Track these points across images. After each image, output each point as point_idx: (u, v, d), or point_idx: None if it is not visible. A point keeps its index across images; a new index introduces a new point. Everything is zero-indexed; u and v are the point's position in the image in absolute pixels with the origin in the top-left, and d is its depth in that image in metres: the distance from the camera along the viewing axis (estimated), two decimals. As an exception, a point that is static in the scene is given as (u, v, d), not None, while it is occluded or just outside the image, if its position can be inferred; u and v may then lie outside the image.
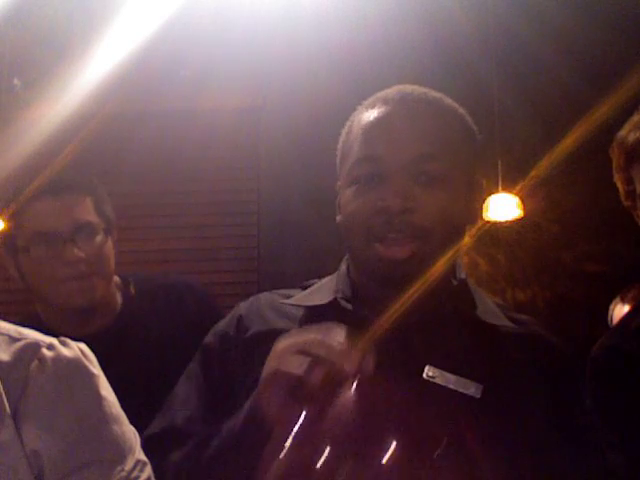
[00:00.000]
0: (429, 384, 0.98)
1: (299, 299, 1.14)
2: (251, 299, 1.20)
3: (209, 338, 1.18)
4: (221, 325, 1.18)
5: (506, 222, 3.18)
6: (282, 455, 0.92)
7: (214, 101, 3.52)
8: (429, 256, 1.03)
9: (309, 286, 1.18)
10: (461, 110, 1.12)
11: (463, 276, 1.13)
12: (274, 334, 1.01)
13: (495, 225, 3.26)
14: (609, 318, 2.20)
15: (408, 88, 1.14)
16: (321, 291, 1.13)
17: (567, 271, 3.28)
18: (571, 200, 3.32)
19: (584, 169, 3.29)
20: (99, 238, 1.53)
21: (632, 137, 1.20)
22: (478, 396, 0.98)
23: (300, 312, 1.11)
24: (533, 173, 3.25)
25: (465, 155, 1.05)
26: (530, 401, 1.03)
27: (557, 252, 3.31)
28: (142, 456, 0.88)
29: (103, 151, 3.53)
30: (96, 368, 0.91)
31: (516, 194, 3.10)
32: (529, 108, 3.36)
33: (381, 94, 1.11)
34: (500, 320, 1.10)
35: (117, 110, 3.36)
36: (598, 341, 1.26)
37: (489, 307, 1.12)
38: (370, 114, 1.07)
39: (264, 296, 1.20)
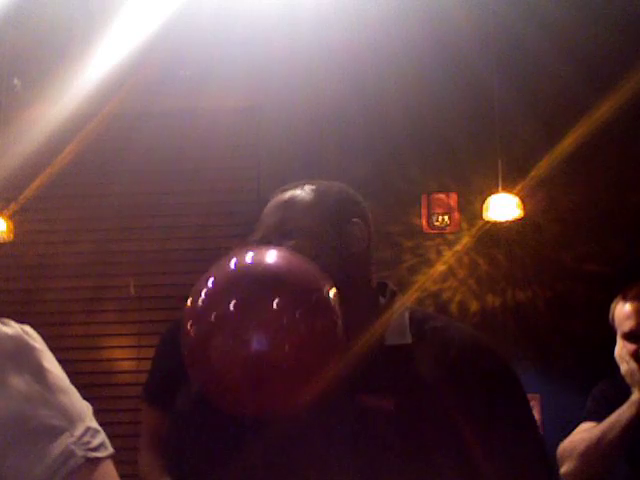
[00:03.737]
0: (358, 406, 1.22)
1: None
2: None
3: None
4: None
5: (506, 222, 3.18)
6: None
7: (214, 101, 3.52)
8: None
9: None
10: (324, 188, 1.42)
11: (384, 300, 1.35)
12: None
13: (495, 225, 3.26)
14: (610, 317, 2.20)
15: (288, 185, 1.43)
16: None
17: (567, 271, 3.28)
18: (571, 200, 3.33)
19: (584, 169, 3.29)
20: None
21: None
22: (392, 407, 1.20)
23: None
24: (533, 173, 3.26)
25: (320, 215, 1.37)
26: (443, 408, 1.21)
27: (557, 252, 3.31)
28: (94, 424, 0.89)
29: (103, 151, 3.54)
30: (39, 343, 0.92)
31: (516, 194, 3.10)
32: (529, 108, 3.36)
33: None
34: (400, 339, 1.29)
35: (117, 110, 3.36)
36: None
37: (398, 325, 1.31)
38: None
39: None
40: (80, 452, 0.85)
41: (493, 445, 1.20)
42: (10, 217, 3.26)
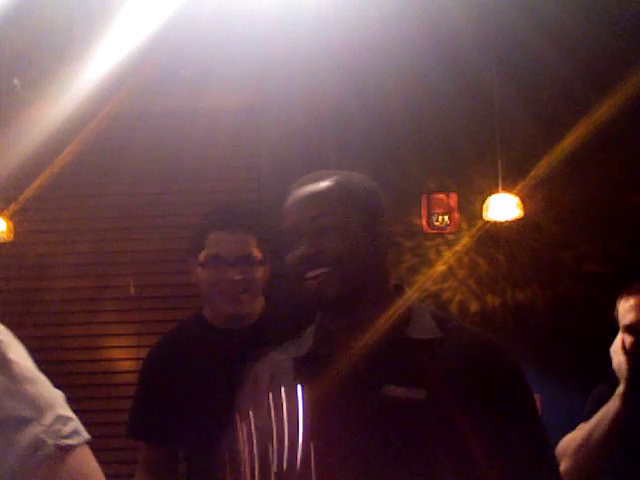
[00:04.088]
0: (386, 397, 1.26)
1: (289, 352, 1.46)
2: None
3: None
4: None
5: (506, 222, 3.18)
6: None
7: (214, 101, 3.52)
8: (344, 279, 1.35)
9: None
10: (348, 180, 1.44)
11: (403, 298, 1.41)
12: None
13: (495, 225, 3.26)
14: (615, 312, 2.21)
15: (310, 175, 1.46)
16: (304, 343, 1.45)
17: (567, 271, 3.28)
18: (571, 200, 3.32)
19: (584, 169, 3.29)
20: (255, 267, 2.05)
21: None
22: (423, 397, 1.25)
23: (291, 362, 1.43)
24: (533, 173, 3.26)
25: (355, 212, 1.39)
26: (467, 400, 1.27)
27: (557, 252, 3.31)
28: (66, 412, 0.88)
29: (103, 151, 3.53)
30: (3, 335, 0.91)
31: (516, 194, 3.10)
32: (529, 108, 3.36)
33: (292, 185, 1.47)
34: (428, 334, 1.35)
35: (117, 110, 3.36)
36: None
37: (422, 322, 1.37)
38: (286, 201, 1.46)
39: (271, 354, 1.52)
40: (50, 440, 0.83)
41: (502, 440, 1.25)
42: (10, 217, 3.26)
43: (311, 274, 1.36)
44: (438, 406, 1.25)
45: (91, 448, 0.92)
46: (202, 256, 2.05)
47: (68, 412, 0.88)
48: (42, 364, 0.96)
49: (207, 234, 2.07)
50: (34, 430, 0.83)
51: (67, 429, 0.86)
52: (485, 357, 1.32)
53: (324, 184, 1.40)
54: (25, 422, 0.83)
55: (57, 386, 0.93)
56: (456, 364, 1.29)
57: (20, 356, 0.90)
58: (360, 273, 1.35)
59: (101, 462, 0.94)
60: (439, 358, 1.30)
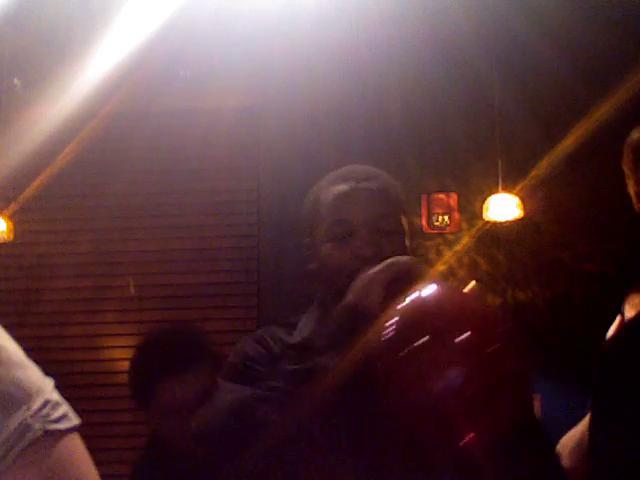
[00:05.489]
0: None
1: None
2: (259, 331, 1.44)
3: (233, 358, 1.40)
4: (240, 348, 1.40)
5: (506, 222, 3.18)
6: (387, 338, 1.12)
7: (214, 101, 3.52)
8: None
9: (289, 323, 1.42)
10: (393, 179, 1.43)
11: None
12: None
13: (495, 225, 3.26)
14: (621, 309, 2.21)
15: (358, 168, 1.41)
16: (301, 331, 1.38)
17: (567, 271, 3.28)
18: (571, 200, 3.33)
19: (584, 169, 3.29)
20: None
21: (637, 135, 1.22)
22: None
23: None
24: (533, 173, 3.26)
25: (402, 208, 1.39)
26: None
27: (557, 252, 3.31)
28: (55, 397, 0.86)
29: (103, 151, 3.54)
30: None
31: (516, 194, 3.10)
32: (529, 108, 3.36)
33: (339, 173, 1.41)
34: None
35: (117, 110, 3.36)
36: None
37: None
38: (337, 189, 1.37)
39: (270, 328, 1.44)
40: (38, 425, 0.81)
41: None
42: (10, 217, 3.26)
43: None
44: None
45: (91, 448, 0.91)
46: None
47: (57, 397, 0.86)
48: (42, 364, 0.96)
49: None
50: (22, 414, 0.81)
51: (56, 414, 0.84)
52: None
53: (389, 183, 1.38)
54: (13, 406, 0.81)
55: (57, 386, 0.93)
56: None
57: (7, 341, 0.88)
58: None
59: (101, 462, 0.94)
60: None
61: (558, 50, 3.28)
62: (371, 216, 1.32)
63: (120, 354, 3.47)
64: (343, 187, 1.36)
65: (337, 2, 3.33)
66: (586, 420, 2.06)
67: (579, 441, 2.06)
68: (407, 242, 1.37)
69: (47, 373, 0.94)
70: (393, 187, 1.39)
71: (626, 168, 1.28)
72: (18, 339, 0.97)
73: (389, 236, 1.32)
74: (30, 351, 0.96)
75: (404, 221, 1.37)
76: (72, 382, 3.16)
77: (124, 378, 3.38)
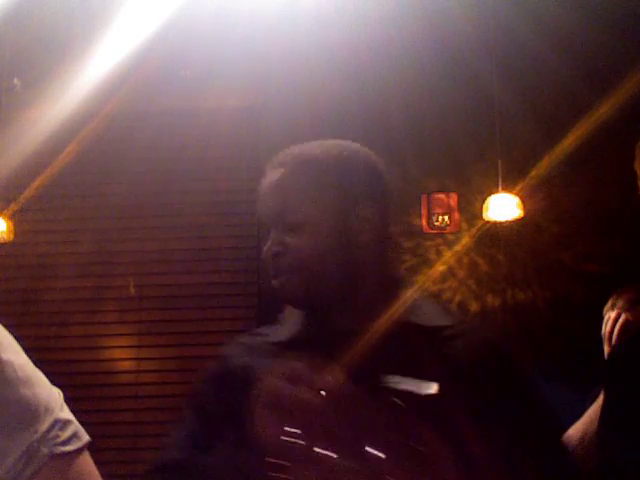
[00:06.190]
0: (389, 390, 1.10)
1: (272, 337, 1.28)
2: (232, 344, 1.32)
3: (198, 385, 1.31)
4: (208, 370, 1.31)
5: (506, 222, 3.18)
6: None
7: (214, 101, 3.52)
8: (308, 281, 1.20)
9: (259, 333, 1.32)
10: (316, 156, 1.25)
11: (404, 288, 1.26)
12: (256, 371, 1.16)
13: (495, 225, 3.26)
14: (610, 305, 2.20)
15: (282, 152, 1.27)
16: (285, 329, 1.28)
17: (567, 271, 3.28)
18: (571, 200, 3.33)
19: (584, 169, 3.29)
20: None
21: None
22: (435, 392, 1.10)
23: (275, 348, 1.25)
24: (533, 173, 3.26)
25: (326, 201, 1.22)
26: (475, 399, 1.14)
27: (557, 252, 3.31)
28: (65, 415, 0.83)
29: (103, 151, 3.54)
30: None
31: (516, 194, 3.10)
32: (529, 108, 3.36)
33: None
34: (434, 321, 1.21)
35: (117, 110, 3.36)
36: None
37: (426, 310, 1.24)
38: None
39: (244, 339, 1.33)
40: (45, 449, 0.79)
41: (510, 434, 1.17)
42: (10, 217, 3.26)
43: (273, 275, 1.22)
44: (443, 402, 1.12)
45: (91, 448, 0.91)
46: None
47: (67, 414, 0.84)
48: (42, 364, 0.96)
49: None
50: (29, 438, 0.79)
51: (65, 434, 0.82)
52: (494, 354, 1.22)
53: (293, 168, 1.22)
54: (20, 429, 0.79)
55: (57, 386, 0.93)
56: (460, 353, 1.17)
57: (16, 354, 0.86)
58: (329, 274, 1.19)
59: (101, 462, 0.94)
60: (446, 349, 1.17)
61: (558, 50, 3.28)
62: (273, 213, 1.22)
63: (120, 354, 3.47)
64: (261, 182, 1.27)
65: (337, 2, 3.33)
66: (586, 419, 2.06)
67: (580, 439, 2.06)
68: (340, 229, 1.22)
69: (47, 373, 0.93)
70: (311, 171, 1.22)
71: (638, 169, 1.27)
72: (18, 339, 0.96)
73: (294, 231, 1.19)
74: (30, 351, 0.95)
75: (331, 207, 1.21)
76: (72, 382, 3.16)
77: (124, 378, 3.40)
